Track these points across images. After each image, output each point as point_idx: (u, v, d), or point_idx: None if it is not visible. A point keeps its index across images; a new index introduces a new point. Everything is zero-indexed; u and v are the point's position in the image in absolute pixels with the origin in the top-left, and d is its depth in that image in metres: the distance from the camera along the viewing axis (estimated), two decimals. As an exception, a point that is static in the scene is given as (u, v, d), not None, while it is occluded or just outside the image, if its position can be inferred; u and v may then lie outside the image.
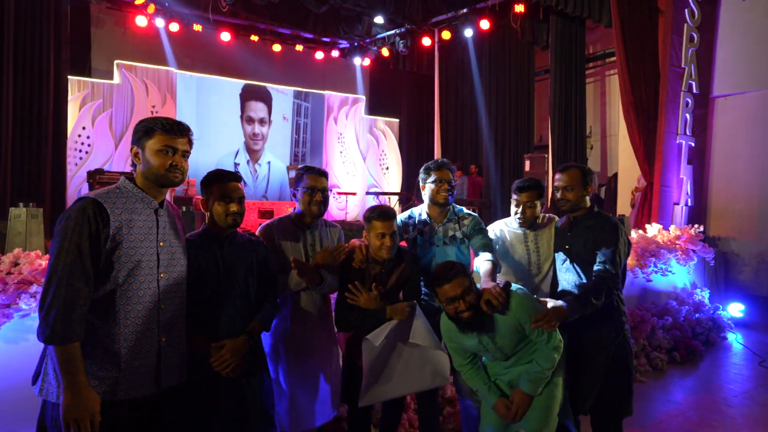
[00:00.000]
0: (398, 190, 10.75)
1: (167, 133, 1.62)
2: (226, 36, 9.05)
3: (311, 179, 2.23)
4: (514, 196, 2.48)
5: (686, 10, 6.12)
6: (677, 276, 5.15)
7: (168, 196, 1.89)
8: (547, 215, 2.58)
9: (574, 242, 2.31)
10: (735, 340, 4.95)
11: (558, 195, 2.33)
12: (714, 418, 3.23)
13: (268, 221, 2.29)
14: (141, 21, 8.33)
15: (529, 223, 2.48)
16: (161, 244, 1.65)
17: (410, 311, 2.18)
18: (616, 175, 8.69)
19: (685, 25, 6.11)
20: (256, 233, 2.20)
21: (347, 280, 2.20)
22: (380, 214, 2.19)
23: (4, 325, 2.30)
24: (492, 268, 2.17)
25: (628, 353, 2.26)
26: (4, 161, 6.05)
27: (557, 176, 2.34)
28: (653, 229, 5.33)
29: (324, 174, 2.28)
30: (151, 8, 8.14)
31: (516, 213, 2.48)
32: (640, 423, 3.15)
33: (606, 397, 2.22)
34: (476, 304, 1.97)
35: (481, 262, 2.24)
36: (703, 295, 5.26)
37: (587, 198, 2.33)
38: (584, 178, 2.31)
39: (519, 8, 8.03)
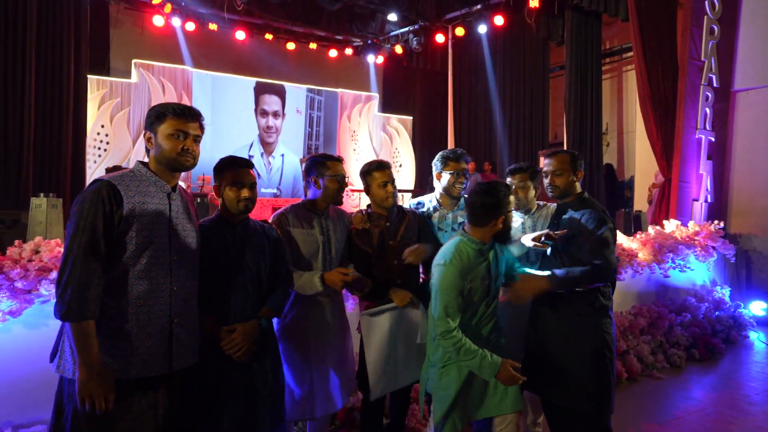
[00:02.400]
0: (412, 187, 10.73)
1: (178, 118, 1.64)
2: (240, 35, 9.14)
3: (337, 167, 2.23)
4: (508, 180, 2.50)
5: (706, 2, 5.99)
6: (696, 273, 5.05)
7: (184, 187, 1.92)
8: (540, 202, 2.58)
9: (560, 229, 2.22)
10: (757, 338, 4.82)
11: (546, 181, 2.26)
12: (733, 415, 3.16)
13: (281, 209, 2.30)
14: (158, 21, 8.48)
15: (522, 205, 2.49)
16: (173, 227, 1.67)
17: (414, 306, 2.21)
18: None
19: (705, 17, 5.98)
20: (269, 221, 2.21)
21: (354, 241, 2.27)
22: (378, 164, 2.30)
23: (26, 311, 2.37)
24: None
25: (605, 350, 2.13)
26: (26, 158, 6.21)
27: (545, 161, 2.27)
28: (671, 225, 5.23)
29: (342, 161, 2.32)
30: (168, 8, 8.27)
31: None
32: (658, 419, 3.09)
33: (577, 392, 2.11)
34: None
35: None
36: (724, 292, 5.14)
37: (577, 184, 2.26)
38: (573, 163, 2.23)
39: (533, 3, 7.94)
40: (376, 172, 2.28)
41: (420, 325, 2.25)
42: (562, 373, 2.13)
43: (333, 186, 2.21)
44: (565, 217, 2.22)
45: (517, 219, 2.57)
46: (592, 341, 2.13)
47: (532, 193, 2.51)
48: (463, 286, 1.92)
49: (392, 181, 2.29)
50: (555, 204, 2.56)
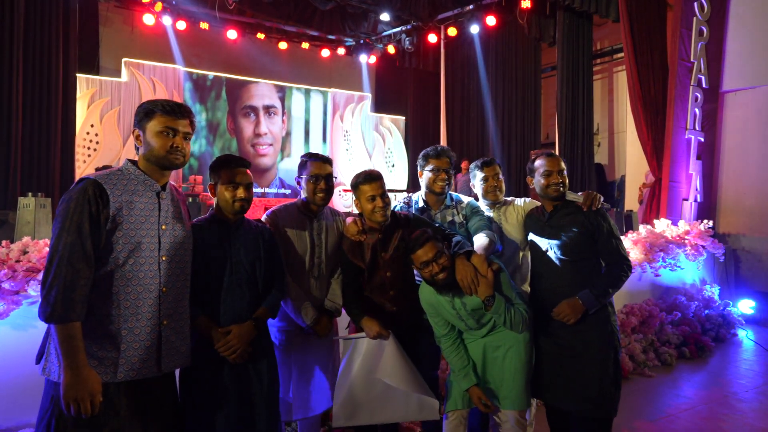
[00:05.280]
0: (404, 187, 10.73)
1: (168, 115, 1.61)
2: (232, 34, 9.08)
3: (315, 167, 2.18)
4: (480, 174, 2.51)
5: (695, 4, 6.05)
6: (686, 272, 5.09)
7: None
8: (508, 198, 2.60)
9: (556, 231, 2.24)
10: (746, 336, 4.88)
11: (551, 180, 2.22)
12: (724, 412, 3.18)
13: (273, 207, 2.27)
14: (148, 19, 8.39)
15: (502, 192, 2.53)
16: (163, 227, 1.64)
17: (380, 338, 2.06)
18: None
19: (695, 18, 6.04)
20: (262, 219, 2.18)
21: (345, 255, 2.19)
22: (366, 177, 2.16)
23: (13, 312, 2.33)
24: (487, 244, 2.14)
25: (614, 348, 2.16)
26: (14, 158, 6.11)
27: (546, 161, 2.24)
28: (661, 224, 5.27)
29: (328, 161, 2.24)
30: (159, 6, 8.20)
31: (484, 188, 2.51)
32: (649, 417, 3.11)
33: (589, 394, 2.11)
34: (450, 266, 2.00)
35: (477, 239, 2.22)
36: (713, 291, 5.19)
37: None
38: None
39: (525, 4, 7.98)
40: (364, 185, 2.13)
41: (387, 360, 2.05)
42: (585, 382, 2.11)
43: (308, 187, 2.16)
44: (568, 217, 2.23)
45: (486, 212, 2.55)
46: (609, 341, 2.16)
47: (503, 183, 2.55)
48: (433, 311, 2.16)
49: (382, 194, 2.12)
50: (522, 200, 2.57)
